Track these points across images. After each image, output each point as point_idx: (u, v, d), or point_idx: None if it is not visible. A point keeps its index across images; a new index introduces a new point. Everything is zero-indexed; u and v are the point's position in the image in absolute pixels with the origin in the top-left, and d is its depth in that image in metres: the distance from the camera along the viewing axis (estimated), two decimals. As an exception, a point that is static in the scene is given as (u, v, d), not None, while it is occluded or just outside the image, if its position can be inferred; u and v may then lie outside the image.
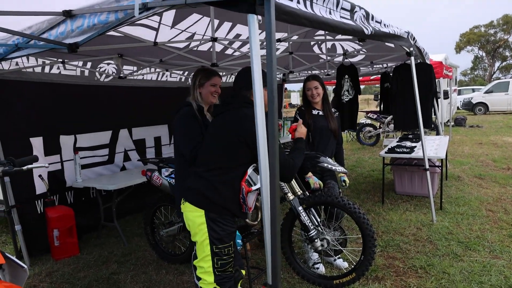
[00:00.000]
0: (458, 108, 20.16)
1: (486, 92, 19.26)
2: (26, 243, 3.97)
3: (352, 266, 2.96)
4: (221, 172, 2.13)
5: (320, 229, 2.95)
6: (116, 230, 4.64)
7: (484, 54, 48.01)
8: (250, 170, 2.13)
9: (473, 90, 21.42)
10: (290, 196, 2.92)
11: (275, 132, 1.72)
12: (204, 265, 2.16)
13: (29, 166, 1.68)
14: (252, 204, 2.15)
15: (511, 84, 18.51)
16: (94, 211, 4.76)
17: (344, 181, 3.55)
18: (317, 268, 3.35)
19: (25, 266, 1.45)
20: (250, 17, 1.77)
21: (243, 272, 2.47)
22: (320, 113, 3.47)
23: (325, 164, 2.87)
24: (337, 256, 3.49)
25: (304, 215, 2.87)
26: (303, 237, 3.02)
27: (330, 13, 2.49)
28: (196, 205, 2.13)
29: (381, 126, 10.74)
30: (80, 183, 4.36)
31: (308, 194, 2.96)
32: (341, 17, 2.65)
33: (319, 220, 3.01)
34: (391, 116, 10.06)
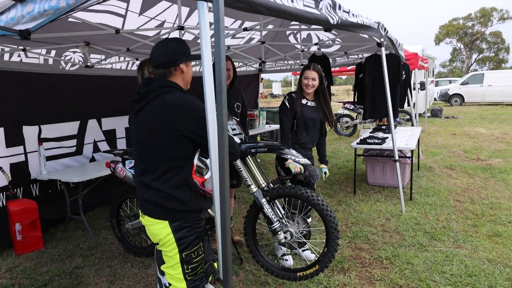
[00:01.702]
0: (435, 100, 20.51)
1: (462, 84, 19.63)
2: (-13, 238, 3.84)
3: (316, 259, 2.96)
4: (169, 176, 1.87)
5: (284, 221, 2.93)
6: (83, 223, 4.53)
7: (462, 46, 48.90)
8: (196, 158, 1.95)
9: (450, 82, 21.83)
10: (254, 188, 2.89)
11: (224, 123, 1.67)
12: (172, 272, 1.96)
13: None
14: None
15: (485, 76, 18.91)
16: (61, 204, 4.63)
17: (325, 172, 3.56)
18: (286, 260, 3.34)
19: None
20: (199, 4, 1.70)
21: (215, 265, 2.42)
22: (309, 103, 3.45)
23: (289, 156, 2.84)
24: (305, 248, 3.50)
25: (267, 207, 2.84)
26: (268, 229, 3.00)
27: (292, 1, 2.43)
28: (157, 217, 1.90)
29: (357, 116, 10.83)
30: (44, 175, 4.22)
31: (288, 179, 2.96)
32: (304, 5, 2.58)
33: (283, 212, 2.99)
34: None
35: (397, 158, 4.53)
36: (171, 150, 1.85)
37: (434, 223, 4.22)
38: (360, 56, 7.16)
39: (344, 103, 11.21)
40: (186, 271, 1.95)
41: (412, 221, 4.28)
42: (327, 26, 2.93)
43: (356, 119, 10.84)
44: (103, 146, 5.34)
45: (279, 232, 2.84)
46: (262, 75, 8.53)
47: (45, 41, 3.96)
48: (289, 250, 3.46)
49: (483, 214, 4.41)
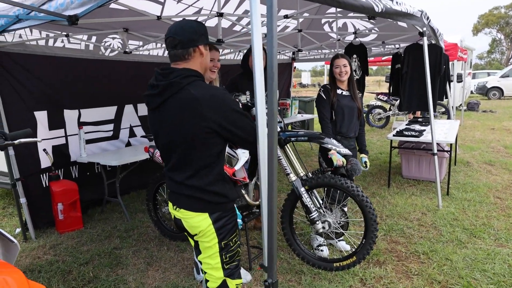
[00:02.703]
0: (471, 92, 19.72)
1: (502, 77, 18.74)
2: (31, 216, 4.02)
3: (353, 250, 2.92)
4: (204, 173, 1.78)
5: (322, 211, 2.91)
6: (119, 205, 4.67)
7: (502, 37, 46.59)
8: (226, 150, 1.85)
9: (488, 74, 20.88)
10: (293, 177, 2.87)
11: (275, 111, 1.66)
12: (211, 261, 1.90)
13: (21, 140, 1.63)
14: (245, 172, 1.98)
15: (528, 69, 17.97)
16: (98, 186, 4.78)
17: (366, 162, 3.51)
18: (322, 251, 3.33)
19: (15, 241, 1.43)
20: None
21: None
22: (345, 93, 3.42)
23: (329, 145, 2.80)
24: (340, 239, 3.47)
25: (306, 197, 2.82)
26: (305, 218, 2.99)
27: (339, -13, 2.37)
28: (195, 210, 1.82)
29: (391, 108, 10.56)
30: (84, 158, 4.36)
31: (329, 170, 2.93)
32: (351, -8, 2.52)
33: (321, 202, 2.96)
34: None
35: (435, 151, 4.39)
36: (203, 147, 1.73)
37: (473, 219, 4.08)
38: (397, 46, 6.95)
39: (377, 94, 10.95)
40: (224, 260, 1.90)
41: (449, 217, 4.16)
42: (371, 14, 2.86)
43: (389, 110, 10.58)
44: (139, 131, 5.45)
45: (317, 222, 2.82)
46: (295, 64, 8.43)
47: (86, 27, 4.05)
48: (325, 240, 3.44)
49: (526, 212, 4.23)
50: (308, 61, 8.50)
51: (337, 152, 2.86)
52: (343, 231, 2.93)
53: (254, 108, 2.93)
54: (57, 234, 4.07)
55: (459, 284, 2.90)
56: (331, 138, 2.85)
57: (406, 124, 6.03)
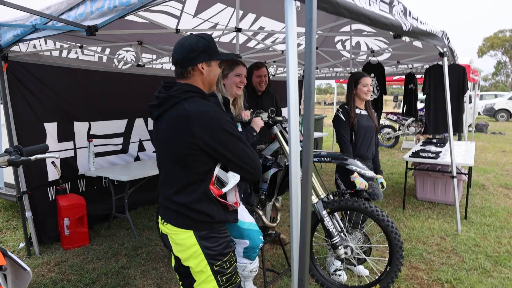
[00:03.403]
0: (479, 114, 19.62)
1: (510, 99, 18.66)
2: (36, 230, 3.88)
3: (376, 277, 2.76)
4: (190, 190, 1.71)
5: (343, 235, 2.76)
6: (127, 221, 4.53)
7: (507, 59, 46.76)
8: (216, 170, 1.73)
9: (496, 96, 20.81)
10: (314, 199, 2.74)
11: (311, 131, 1.55)
12: (207, 286, 1.79)
13: (38, 156, 1.52)
14: (238, 198, 1.84)
15: (536, 91, 17.89)
16: (105, 201, 4.65)
17: (381, 183, 3.38)
18: (339, 275, 3.16)
19: (28, 269, 1.30)
20: (287, 3, 1.59)
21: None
22: (363, 112, 3.32)
23: (354, 167, 2.68)
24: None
25: (328, 220, 2.69)
26: (326, 242, 2.84)
27: (369, 4, 2.30)
28: (181, 226, 1.74)
29: (400, 128, 10.45)
30: (93, 172, 4.25)
31: (348, 193, 2.80)
32: (380, 9, 2.45)
33: (342, 226, 2.82)
34: (411, 119, 9.78)
35: (455, 174, 4.25)
36: (191, 164, 1.68)
37: (496, 246, 3.91)
38: (410, 66, 6.89)
39: (387, 113, 10.85)
40: (221, 283, 1.79)
41: (470, 242, 3.99)
42: (399, 33, 2.78)
43: (398, 130, 10.46)
44: (148, 145, 5.35)
45: (339, 247, 2.67)
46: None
47: (101, 39, 4.00)
48: (341, 265, 3.28)
49: (550, 240, 4.05)
50: (319, 79, 8.44)
51: (361, 174, 2.73)
52: (365, 257, 2.77)
53: (275, 127, 2.85)
54: (62, 250, 3.92)
55: (489, 318, 2.73)
56: (356, 160, 2.73)
57: (421, 145, 5.90)
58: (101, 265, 3.57)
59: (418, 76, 7.12)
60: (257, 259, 2.57)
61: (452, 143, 4.23)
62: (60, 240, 4.04)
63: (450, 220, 4.67)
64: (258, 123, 2.57)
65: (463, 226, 4.43)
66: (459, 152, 5.23)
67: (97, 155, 4.57)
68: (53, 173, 4.10)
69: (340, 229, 2.79)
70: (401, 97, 18.86)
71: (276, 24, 4.57)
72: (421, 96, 9.12)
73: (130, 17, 3.46)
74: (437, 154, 5.00)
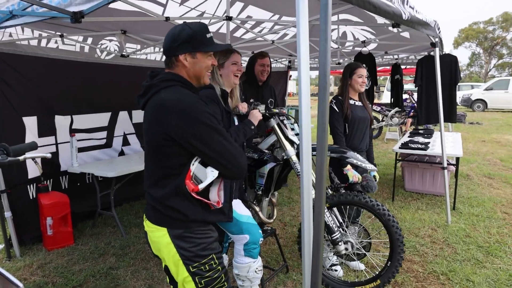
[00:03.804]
0: (456, 104, 20.04)
1: (486, 89, 19.13)
2: (17, 231, 3.67)
3: (377, 272, 2.72)
4: (164, 184, 1.61)
5: (343, 230, 2.70)
6: (112, 219, 4.37)
7: (481, 51, 47.95)
8: (194, 165, 1.60)
9: (472, 87, 21.31)
10: (313, 194, 2.65)
11: (326, 125, 1.45)
12: (187, 287, 1.70)
13: (27, 155, 1.36)
14: (221, 197, 1.69)
15: (511, 82, 18.39)
16: (89, 198, 4.46)
17: (374, 176, 3.33)
18: (336, 271, 3.11)
19: (21, 285, 1.17)
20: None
21: None
22: (357, 103, 3.26)
23: (354, 161, 2.61)
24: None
25: (327, 215, 2.61)
26: (325, 239, 2.77)
27: (372, -9, 2.20)
28: (156, 222, 1.66)
29: (384, 119, 10.52)
30: (76, 168, 4.04)
31: (342, 187, 2.73)
32: (381, -3, 2.36)
33: (341, 220, 2.76)
34: (395, 109, 9.85)
35: (445, 165, 4.26)
36: (164, 156, 1.58)
37: (486, 236, 3.95)
38: (396, 56, 6.89)
39: (371, 104, 10.89)
40: (200, 286, 1.67)
41: (461, 233, 4.01)
42: (398, 22, 2.72)
43: (382, 121, 10.53)
44: (133, 139, 5.15)
45: (339, 243, 2.61)
46: (290, 72, 8.28)
47: (82, 27, 3.77)
48: (337, 260, 3.23)
49: (537, 229, 4.13)
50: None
51: (355, 167, 2.67)
52: (365, 252, 2.72)
53: (272, 120, 2.74)
54: (45, 251, 3.73)
55: (487, 309, 2.73)
56: (355, 153, 2.66)
57: (409, 136, 5.92)
58: (88, 266, 3.41)
59: (403, 66, 7.15)
60: (259, 257, 2.48)
61: (443, 134, 4.23)
62: (42, 241, 3.84)
63: (439, 211, 4.70)
64: (256, 116, 2.46)
65: (452, 217, 4.46)
66: (447, 143, 5.25)
67: (80, 150, 4.35)
68: (33, 170, 3.88)
69: (339, 224, 2.72)
70: (382, 88, 19.09)
71: (264, 13, 4.44)
72: (406, 87, 9.19)
73: (113, 5, 3.27)
74: (426, 145, 5.01)
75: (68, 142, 4.17)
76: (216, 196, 1.66)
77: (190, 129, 1.51)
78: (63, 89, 4.12)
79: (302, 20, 1.48)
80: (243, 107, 2.52)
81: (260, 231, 2.44)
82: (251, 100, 2.55)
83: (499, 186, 5.79)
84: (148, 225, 1.71)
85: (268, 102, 3.56)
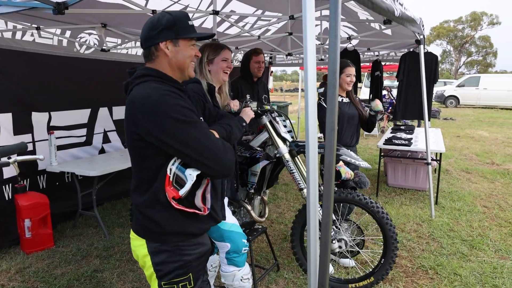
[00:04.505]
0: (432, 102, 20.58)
1: (458, 86, 19.72)
2: (-8, 234, 3.48)
3: (370, 270, 2.72)
4: (143, 190, 1.48)
5: (336, 228, 2.69)
6: (94, 219, 4.22)
7: (452, 49, 49.43)
8: (174, 167, 1.43)
9: (445, 83, 21.90)
10: (306, 191, 2.62)
11: (335, 123, 1.40)
12: None
13: (18, 158, 1.23)
14: (207, 202, 1.53)
15: (481, 80, 19.03)
16: (69, 198, 4.28)
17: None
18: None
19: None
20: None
21: None
22: (345, 100, 3.25)
23: (348, 158, 2.59)
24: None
25: (321, 213, 2.58)
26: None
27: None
28: (135, 231, 1.54)
29: (363, 115, 10.63)
30: (55, 167, 3.87)
31: (335, 184, 2.70)
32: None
33: (334, 218, 2.74)
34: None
35: (429, 161, 4.33)
36: (141, 157, 1.45)
37: (468, 230, 4.04)
38: (376, 53, 6.96)
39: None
40: None
41: (445, 227, 4.10)
42: (391, 18, 2.72)
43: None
44: (113, 136, 4.99)
45: (333, 241, 2.59)
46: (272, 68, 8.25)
47: (61, 20, 3.59)
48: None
49: (516, 221, 4.26)
50: (285, 66, 8.36)
51: (357, 165, 2.65)
52: (359, 250, 2.72)
53: (264, 117, 2.68)
54: (23, 254, 3.55)
55: (476, 302, 2.79)
56: (348, 150, 2.65)
57: (391, 132, 6.00)
58: (71, 270, 3.26)
59: (383, 63, 7.23)
60: (247, 265, 2.41)
61: (428, 130, 4.29)
62: (20, 244, 3.65)
63: (422, 206, 4.79)
64: (249, 114, 2.39)
65: (435, 212, 4.55)
66: (429, 139, 5.35)
67: (59, 148, 4.16)
68: (9, 170, 3.68)
69: (332, 222, 2.71)
70: (360, 84, 19.35)
71: (247, 8, 4.37)
72: (385, 83, 9.31)
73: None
74: (409, 141, 5.09)
75: (46, 140, 3.98)
76: (200, 201, 1.49)
77: (159, 125, 1.36)
78: (40, 84, 3.92)
79: (309, 14, 1.42)
80: (235, 105, 2.45)
81: (245, 241, 2.35)
82: (247, 96, 2.48)
83: (476, 180, 5.95)
84: (131, 232, 1.59)
85: (263, 98, 3.54)
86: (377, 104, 3.22)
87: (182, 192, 1.41)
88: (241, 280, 2.35)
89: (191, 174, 1.42)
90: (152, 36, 1.48)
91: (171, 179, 1.42)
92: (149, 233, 1.49)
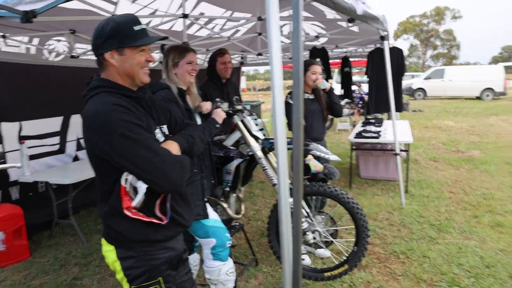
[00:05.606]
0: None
1: (425, 79, 20.41)
2: (-35, 249, 3.41)
3: (344, 258, 2.85)
4: (103, 201, 1.51)
5: (310, 220, 2.80)
6: (70, 227, 4.19)
7: (418, 43, 50.99)
8: (129, 177, 1.43)
9: (413, 76, 22.61)
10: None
11: (301, 120, 1.50)
12: None
13: None
14: (166, 211, 1.54)
15: (446, 72, 19.78)
16: (44, 207, 4.23)
17: None
18: (303, 260, 3.21)
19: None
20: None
21: None
22: (310, 96, 3.39)
23: (317, 152, 2.71)
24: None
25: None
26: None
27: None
28: (105, 238, 1.56)
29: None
30: (28, 177, 3.82)
31: (305, 179, 2.81)
32: (337, -7, 2.46)
33: (308, 210, 2.86)
34: (345, 100, 10.22)
35: (398, 151, 4.53)
36: (99, 172, 1.49)
37: (436, 215, 4.26)
38: (345, 50, 7.16)
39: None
40: None
41: (415, 214, 4.30)
42: (353, 17, 2.85)
43: (333, 113, 10.89)
44: (87, 143, 4.94)
45: (307, 233, 2.71)
46: (243, 68, 8.33)
47: (28, 27, 3.55)
48: (305, 249, 3.34)
49: (479, 204, 4.52)
50: (257, 65, 8.46)
51: (325, 159, 2.78)
52: (333, 240, 2.85)
53: (235, 117, 2.76)
54: (-1, 267, 3.50)
55: (444, 281, 2.96)
56: (318, 145, 2.77)
57: (362, 126, 6.20)
58: (49, 279, 3.25)
59: (351, 59, 7.45)
60: (230, 259, 2.49)
61: (395, 122, 4.49)
62: (-5, 257, 3.59)
63: (393, 195, 4.99)
64: (221, 115, 2.46)
65: (406, 200, 4.75)
66: (397, 131, 5.57)
67: (32, 157, 4.11)
68: (-20, 182, 3.62)
69: (306, 214, 2.82)
70: (331, 81, 19.77)
71: (217, 10, 4.43)
72: (354, 78, 9.58)
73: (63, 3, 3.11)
74: (378, 134, 5.29)
75: (18, 150, 3.92)
76: (158, 212, 1.51)
77: (108, 143, 1.36)
78: (9, 94, 3.86)
79: (273, 16, 1.51)
80: (206, 108, 2.52)
81: (228, 234, 2.44)
82: (217, 100, 2.55)
83: (443, 168, 6.25)
84: (102, 239, 1.62)
85: (234, 99, 3.59)
86: (320, 82, 3.46)
87: (135, 203, 1.43)
88: (226, 274, 2.42)
89: (141, 186, 1.43)
90: (98, 45, 1.47)
91: (127, 189, 1.43)
92: (115, 240, 1.52)
